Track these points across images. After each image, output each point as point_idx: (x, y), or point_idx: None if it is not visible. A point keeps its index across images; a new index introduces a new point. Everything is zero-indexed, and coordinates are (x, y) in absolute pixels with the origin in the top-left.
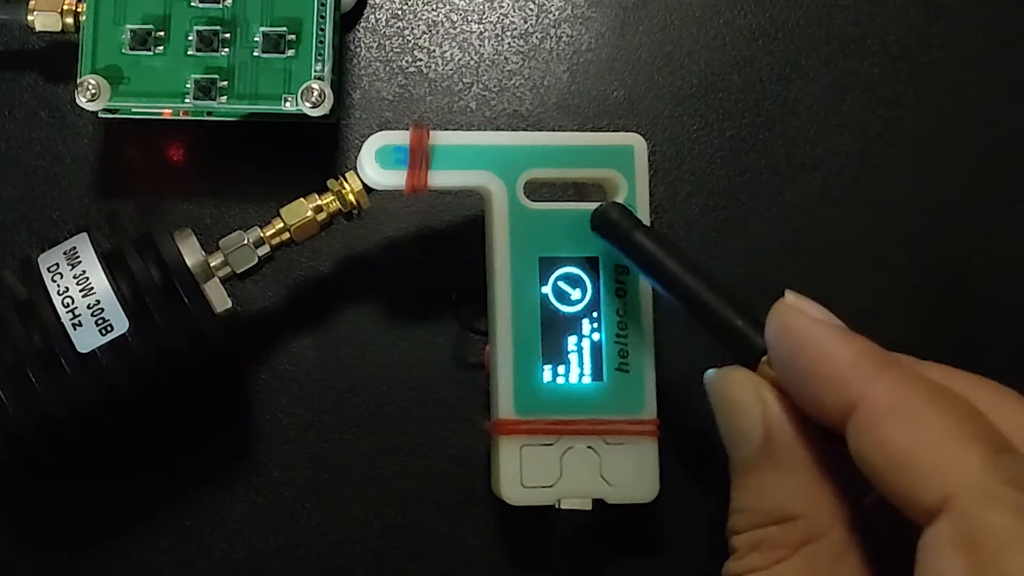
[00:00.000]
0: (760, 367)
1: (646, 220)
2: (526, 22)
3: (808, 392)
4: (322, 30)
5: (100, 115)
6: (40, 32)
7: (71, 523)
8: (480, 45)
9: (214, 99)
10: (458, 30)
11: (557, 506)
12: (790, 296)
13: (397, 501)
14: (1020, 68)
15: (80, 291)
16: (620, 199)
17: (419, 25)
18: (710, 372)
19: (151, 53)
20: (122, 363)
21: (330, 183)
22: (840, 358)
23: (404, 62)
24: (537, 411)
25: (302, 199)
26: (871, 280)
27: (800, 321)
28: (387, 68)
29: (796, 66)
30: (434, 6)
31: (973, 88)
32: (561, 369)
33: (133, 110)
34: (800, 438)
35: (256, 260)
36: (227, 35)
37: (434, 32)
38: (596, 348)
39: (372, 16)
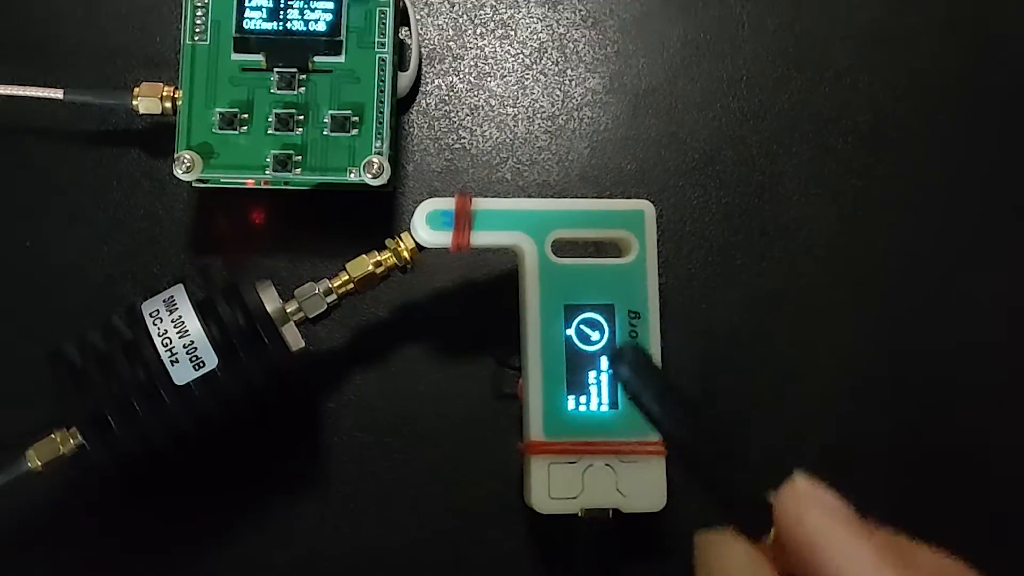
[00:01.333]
0: (760, 543)
1: (655, 273)
2: (553, 106)
3: None
4: (381, 113)
5: (194, 184)
6: (143, 114)
7: (165, 531)
8: (514, 126)
9: (290, 171)
10: (496, 113)
11: (580, 515)
12: (802, 482)
13: (444, 510)
14: (973, 146)
15: (177, 333)
16: (633, 256)
17: (463, 109)
18: (702, 533)
19: (237, 132)
20: (212, 394)
21: (388, 242)
22: (863, 563)
23: (450, 140)
24: (563, 434)
25: (364, 255)
26: (847, 324)
27: (817, 516)
28: (436, 145)
29: (781, 143)
30: (475, 93)
31: (936, 162)
32: (583, 399)
33: (221, 180)
34: None
35: (325, 307)
36: (301, 117)
37: (475, 115)
38: (612, 381)
39: (423, 101)
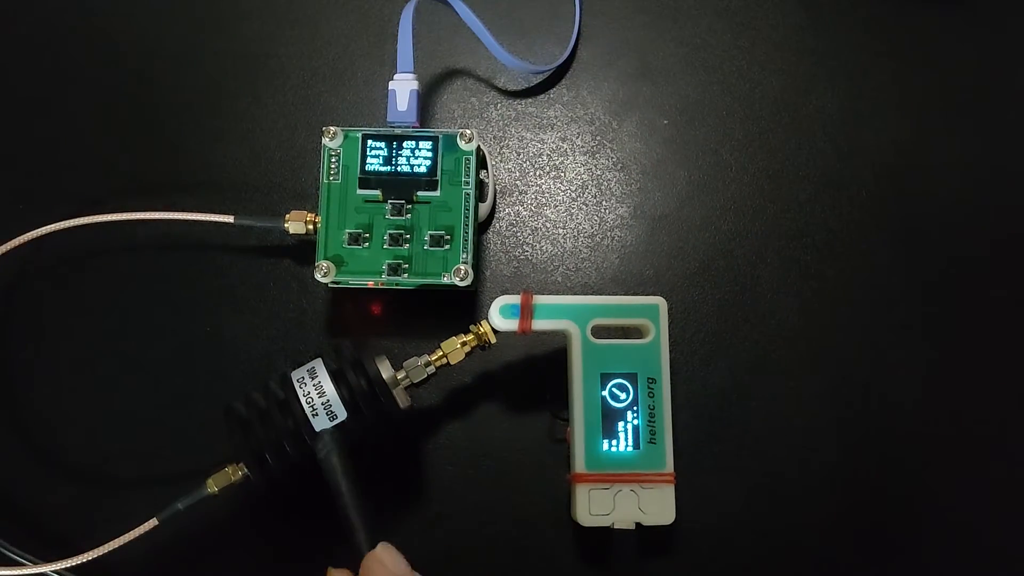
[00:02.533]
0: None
1: (667, 350)
2: (592, 228)
3: None
4: (466, 232)
5: (329, 285)
6: (293, 234)
7: (307, 540)
8: (564, 242)
9: (400, 275)
10: (550, 233)
11: (612, 527)
12: (380, 547)
13: (511, 523)
14: (896, 261)
15: (317, 394)
16: (651, 338)
17: (526, 230)
18: (330, 569)
19: (361, 247)
20: (342, 438)
21: (471, 327)
22: None
23: (517, 252)
24: (599, 468)
25: (454, 337)
26: (809, 384)
27: (375, 571)
28: (506, 256)
29: (759, 254)
30: (535, 219)
31: (870, 268)
32: (614, 442)
33: (350, 282)
34: None
35: (426, 375)
36: (408, 236)
37: (535, 234)
38: (636, 429)
39: (497, 224)
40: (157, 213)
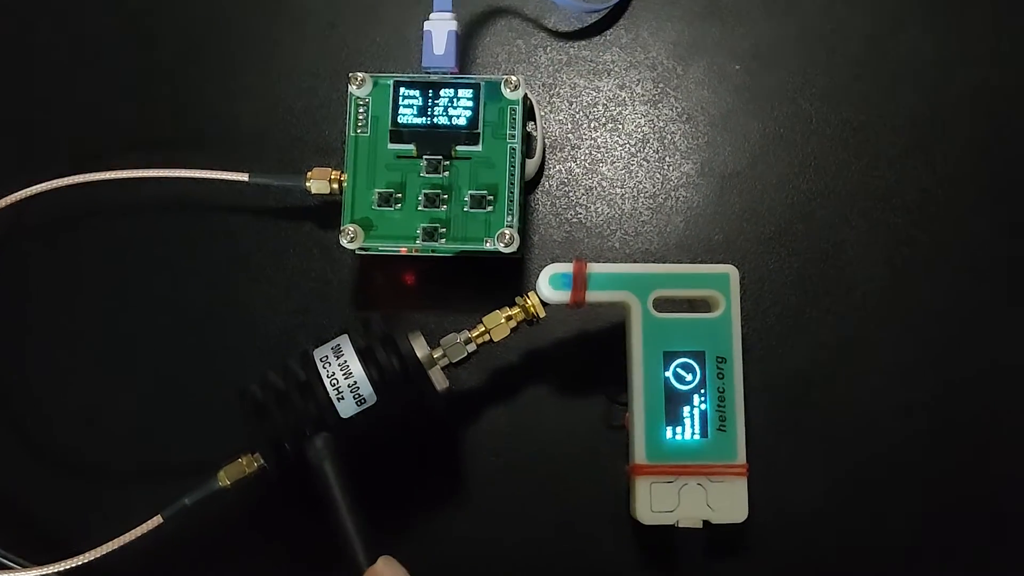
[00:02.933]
0: None
1: (738, 326)
2: (654, 187)
3: None
4: (512, 192)
5: (356, 252)
6: (315, 194)
7: (328, 543)
8: (622, 203)
9: (436, 241)
10: (607, 193)
11: (676, 525)
12: (380, 562)
13: (566, 520)
14: (996, 214)
15: (343, 375)
16: (720, 311)
17: (579, 189)
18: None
19: (392, 209)
20: (372, 425)
21: (517, 299)
22: None
23: (569, 215)
24: (662, 459)
25: (497, 311)
26: (899, 363)
27: None
28: (557, 219)
29: (843, 217)
30: (590, 176)
31: (967, 230)
32: (679, 429)
33: (379, 248)
34: None
35: (466, 353)
36: (445, 196)
37: (590, 194)
38: (703, 415)
39: (547, 183)
40: (162, 170)
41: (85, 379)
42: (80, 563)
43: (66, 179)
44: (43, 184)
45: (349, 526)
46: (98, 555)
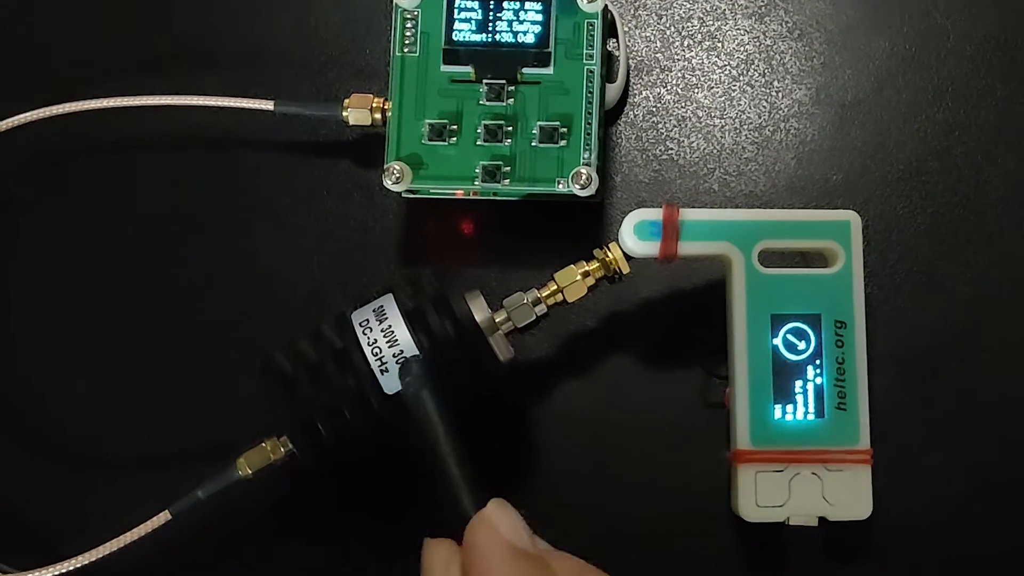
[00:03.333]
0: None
1: (860, 284)
2: (760, 117)
3: None
4: (589, 124)
5: (403, 195)
6: (353, 126)
7: (373, 537)
8: (721, 137)
9: (499, 182)
10: (703, 124)
11: (787, 522)
12: (490, 506)
13: (653, 518)
14: None
15: (387, 342)
16: (839, 266)
17: (670, 120)
18: (427, 540)
19: (446, 143)
20: (432, 369)
21: (596, 252)
22: None
23: (658, 151)
24: (769, 443)
25: (572, 265)
26: None
27: (484, 538)
28: (643, 156)
29: (986, 154)
30: (683, 104)
31: None
32: (789, 407)
33: (431, 191)
34: None
35: (534, 317)
36: (509, 128)
37: (683, 126)
38: (819, 390)
39: (631, 112)
40: (171, 98)
41: (78, 349)
42: (73, 567)
43: (50, 108)
44: (21, 115)
45: (452, 465)
46: (93, 558)
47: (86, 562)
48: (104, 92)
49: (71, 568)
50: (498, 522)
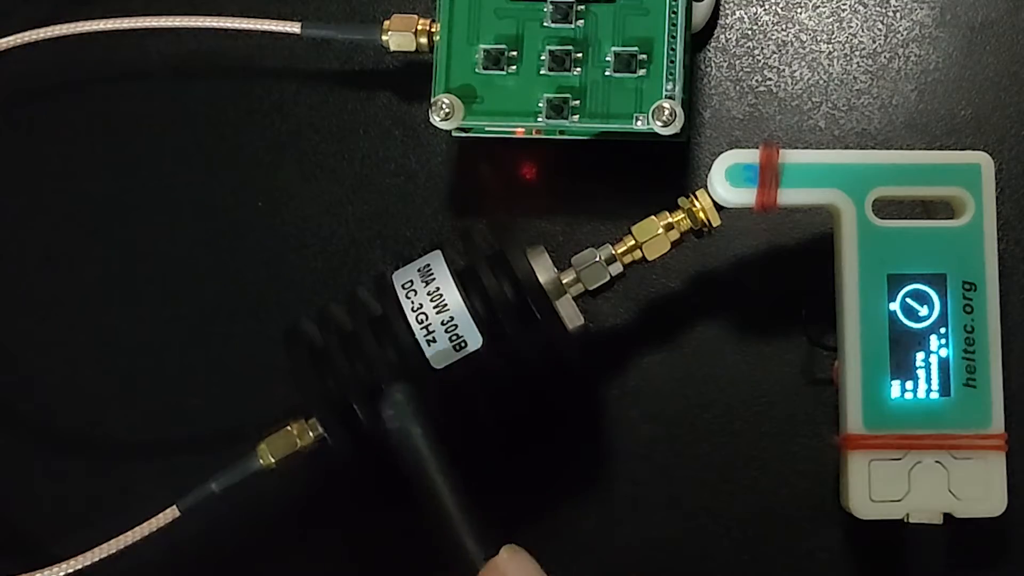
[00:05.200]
0: None
1: (993, 238)
2: (874, 42)
3: None
4: (673, 50)
5: (453, 134)
6: (394, 52)
7: (417, 538)
8: (829, 65)
9: (566, 118)
10: (807, 50)
11: (906, 520)
12: (504, 553)
13: (747, 515)
14: None
15: (434, 308)
16: (968, 217)
17: (769, 45)
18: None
19: (504, 73)
20: (475, 379)
21: (681, 201)
22: None
23: (754, 81)
24: (886, 426)
25: (653, 217)
26: None
27: None
28: (737, 87)
29: None
30: (784, 26)
31: None
32: (909, 384)
33: (486, 129)
34: None
35: (608, 277)
36: (579, 55)
37: (783, 52)
38: (944, 364)
39: (722, 36)
40: (179, 18)
41: (76, 318)
42: (71, 570)
43: (37, 32)
44: (13, 37)
45: (452, 507)
46: (93, 559)
47: (86, 563)
48: (101, 12)
49: (71, 570)
50: (513, 572)
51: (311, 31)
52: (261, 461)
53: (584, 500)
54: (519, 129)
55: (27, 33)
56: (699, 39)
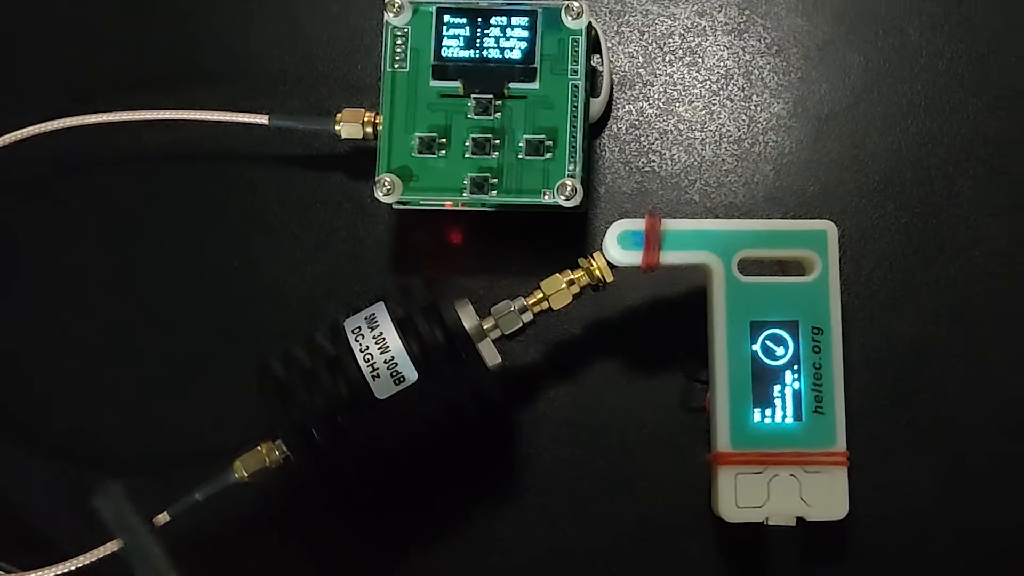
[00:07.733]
0: None
1: (837, 291)
2: (739, 130)
3: None
4: (574, 137)
5: (394, 206)
6: (345, 139)
7: (362, 543)
8: (702, 149)
9: (486, 193)
10: (684, 137)
11: (766, 523)
12: None
13: (635, 519)
14: None
15: (378, 349)
16: (816, 274)
17: (653, 133)
18: None
19: (435, 156)
20: (411, 408)
21: (580, 261)
22: None
23: (640, 163)
24: (749, 445)
25: (558, 274)
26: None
27: None
28: (626, 168)
29: (958, 165)
30: (665, 118)
31: None
32: (768, 411)
33: (421, 202)
34: None
35: (521, 324)
36: (496, 141)
37: (665, 139)
38: (797, 394)
39: (615, 125)
40: (168, 112)
41: (78, 355)
42: (73, 568)
43: (51, 123)
44: (22, 131)
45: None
46: (93, 559)
47: (86, 562)
48: (101, 107)
49: (71, 568)
50: None
51: (277, 122)
52: (236, 475)
53: (501, 507)
54: (448, 202)
55: (42, 125)
56: (595, 128)
